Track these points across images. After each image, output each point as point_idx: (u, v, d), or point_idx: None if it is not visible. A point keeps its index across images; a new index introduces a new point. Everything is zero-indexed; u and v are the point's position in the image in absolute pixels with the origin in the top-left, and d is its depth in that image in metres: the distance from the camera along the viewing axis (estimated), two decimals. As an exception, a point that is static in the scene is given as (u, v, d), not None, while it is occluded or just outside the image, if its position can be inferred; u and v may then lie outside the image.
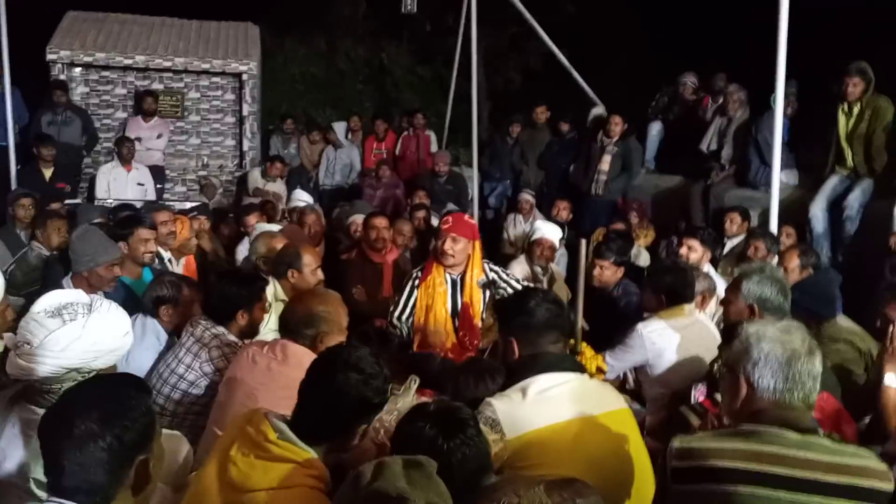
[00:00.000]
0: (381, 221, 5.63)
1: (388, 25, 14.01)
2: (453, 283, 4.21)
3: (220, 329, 3.34)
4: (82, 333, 2.24)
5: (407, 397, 2.81)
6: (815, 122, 7.14)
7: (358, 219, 6.32)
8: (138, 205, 6.81)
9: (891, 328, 3.12)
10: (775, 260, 5.14)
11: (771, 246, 5.35)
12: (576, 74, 9.66)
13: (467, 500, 1.94)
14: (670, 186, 8.43)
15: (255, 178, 9.39)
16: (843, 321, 4.07)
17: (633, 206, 7.84)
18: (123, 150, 8.69)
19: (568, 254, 6.95)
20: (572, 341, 3.60)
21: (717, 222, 6.75)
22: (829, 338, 3.89)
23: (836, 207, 6.46)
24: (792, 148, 7.20)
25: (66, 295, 2.35)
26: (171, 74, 10.07)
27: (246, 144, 10.22)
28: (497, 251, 7.63)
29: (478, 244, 4.28)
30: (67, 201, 7.39)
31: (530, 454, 2.36)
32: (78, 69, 9.74)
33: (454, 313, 4.21)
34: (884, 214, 5.99)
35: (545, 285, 5.58)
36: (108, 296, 3.83)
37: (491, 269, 4.30)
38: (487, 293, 4.25)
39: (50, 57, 9.48)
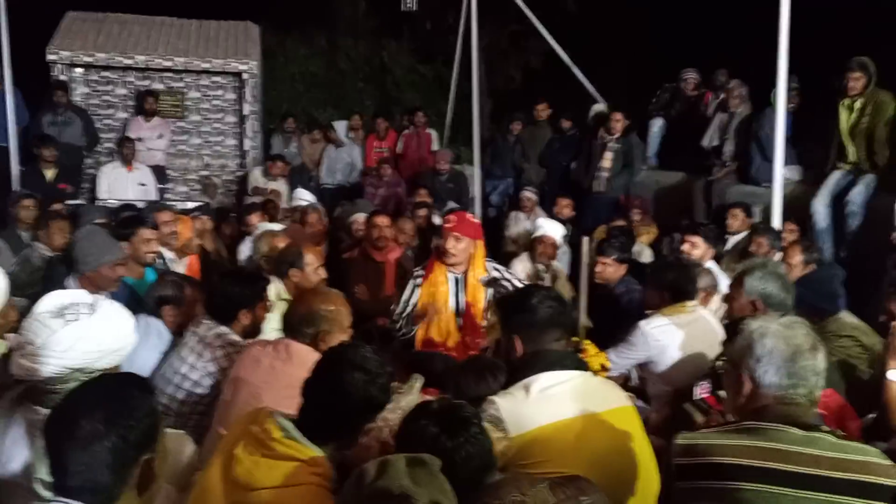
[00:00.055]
0: (382, 220, 5.63)
1: (389, 24, 13.99)
2: (456, 281, 4.21)
3: (223, 329, 3.34)
4: (85, 334, 2.24)
5: (411, 396, 2.82)
6: (817, 117, 7.13)
7: (360, 218, 6.32)
8: (140, 205, 6.81)
9: (894, 323, 3.12)
10: (778, 256, 5.14)
11: (773, 242, 5.35)
12: (577, 71, 9.65)
13: (471, 497, 1.94)
14: (672, 183, 8.42)
15: (257, 177, 9.40)
16: (847, 317, 4.07)
17: (634, 203, 7.83)
18: (125, 151, 8.71)
19: (570, 251, 6.95)
20: (575, 339, 3.60)
21: (719, 219, 6.75)
22: (832, 333, 3.90)
23: (838, 203, 6.44)
24: (794, 143, 7.18)
25: (69, 295, 2.35)
26: (171, 74, 10.07)
27: (247, 144, 10.23)
28: (499, 249, 7.63)
29: (480, 243, 4.28)
30: (69, 202, 7.39)
31: (534, 452, 2.36)
32: (78, 69, 9.74)
33: (457, 312, 4.20)
34: (886, 209, 5.98)
35: (548, 283, 5.58)
36: (111, 296, 3.86)
37: (494, 268, 4.30)
38: (490, 291, 4.25)
39: (50, 57, 9.48)
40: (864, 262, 5.87)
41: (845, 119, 6.48)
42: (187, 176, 10.18)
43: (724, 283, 4.57)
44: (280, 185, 9.14)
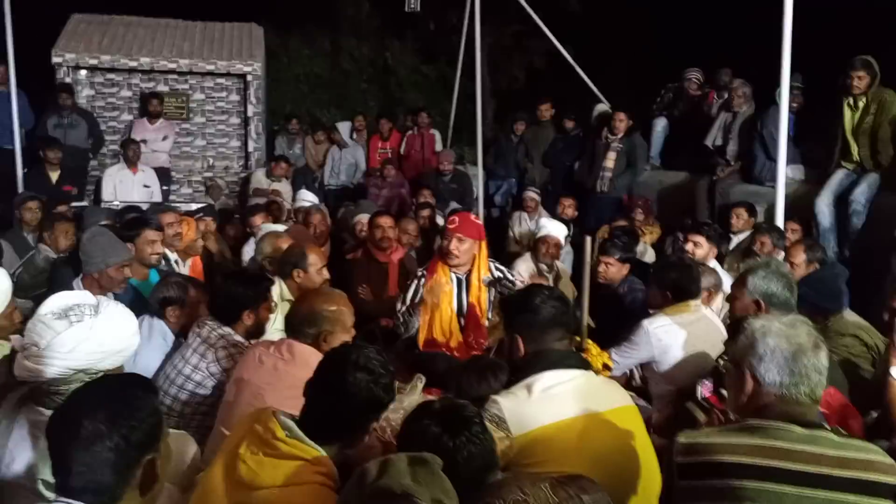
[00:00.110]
0: (386, 221, 5.63)
1: (392, 25, 14.01)
2: (459, 282, 4.22)
3: (227, 329, 3.35)
4: (89, 335, 2.25)
5: (413, 396, 2.83)
6: (821, 116, 7.12)
7: (363, 218, 6.33)
8: (144, 206, 6.83)
9: (897, 321, 3.12)
10: (781, 255, 5.13)
11: (777, 241, 5.34)
12: (580, 71, 9.65)
13: (473, 497, 1.94)
14: (675, 183, 8.41)
15: (259, 178, 9.41)
16: (850, 316, 4.06)
17: (638, 203, 7.82)
18: (129, 153, 8.73)
19: (573, 251, 6.95)
20: (578, 338, 3.60)
21: (722, 218, 6.75)
22: (835, 332, 3.89)
23: (842, 202, 6.43)
24: (797, 143, 7.18)
25: (73, 296, 2.36)
26: (175, 76, 10.09)
27: (251, 145, 10.24)
28: (503, 249, 7.64)
29: (484, 244, 4.28)
30: (74, 204, 7.41)
31: (536, 451, 2.37)
32: (83, 72, 9.76)
33: (460, 312, 4.21)
34: (890, 208, 5.96)
35: (551, 283, 5.58)
36: (115, 297, 3.87)
37: (496, 269, 4.30)
38: (493, 292, 4.26)
39: (55, 60, 9.50)
40: (868, 260, 5.86)
41: (849, 118, 6.47)
42: (191, 177, 10.20)
43: (727, 282, 4.56)
44: (283, 186, 9.16)
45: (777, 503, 1.88)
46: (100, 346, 2.26)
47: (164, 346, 3.61)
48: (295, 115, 11.35)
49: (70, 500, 1.66)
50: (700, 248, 5.04)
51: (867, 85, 6.27)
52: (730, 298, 3.65)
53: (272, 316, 3.65)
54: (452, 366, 3.53)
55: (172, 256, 5.30)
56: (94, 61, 9.65)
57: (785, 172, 5.54)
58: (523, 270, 5.75)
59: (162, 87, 10.07)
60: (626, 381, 3.99)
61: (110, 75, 9.95)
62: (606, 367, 3.63)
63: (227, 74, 10.09)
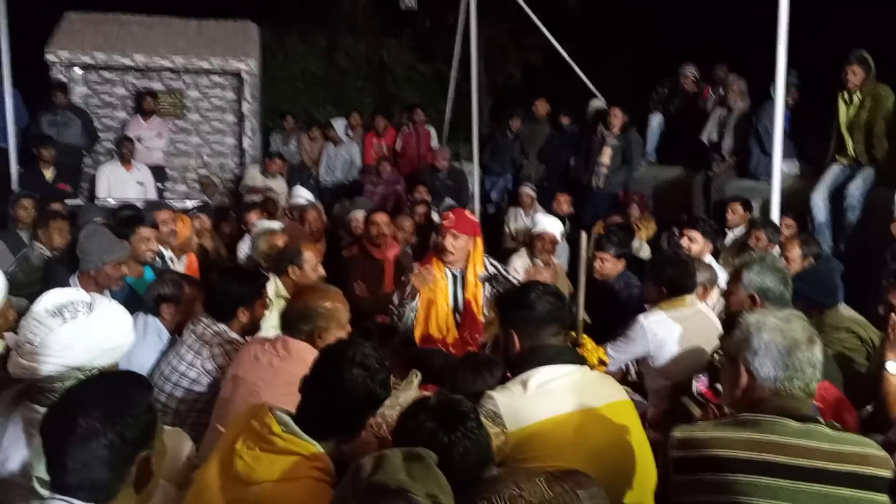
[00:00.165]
0: (381, 217, 5.63)
1: (388, 22, 13.99)
2: (454, 278, 4.22)
3: (222, 326, 3.34)
4: (83, 332, 2.25)
5: (409, 392, 2.83)
6: (816, 111, 7.13)
7: (359, 215, 6.33)
8: (139, 204, 6.82)
9: (893, 315, 3.12)
10: (777, 250, 5.14)
11: (772, 236, 5.36)
12: (576, 68, 9.65)
13: (469, 492, 1.94)
14: (671, 178, 8.42)
15: (253, 175, 9.40)
16: (845, 310, 4.07)
17: (633, 199, 7.84)
18: (123, 150, 8.71)
19: (569, 247, 6.95)
20: (574, 334, 3.60)
21: (718, 213, 6.76)
22: (830, 326, 3.91)
23: (837, 196, 6.45)
24: (793, 138, 7.19)
25: (67, 294, 2.36)
26: (170, 73, 10.07)
27: (246, 142, 10.23)
28: (499, 245, 7.64)
29: (479, 240, 4.28)
30: (68, 202, 7.39)
31: (532, 447, 2.37)
32: (77, 70, 9.74)
33: (456, 308, 4.21)
34: (885, 203, 5.98)
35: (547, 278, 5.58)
36: (110, 294, 3.87)
37: (491, 264, 4.31)
38: (488, 287, 4.26)
39: (49, 58, 9.48)
40: (863, 255, 5.88)
41: (844, 113, 6.48)
42: (186, 175, 10.19)
43: (722, 277, 4.57)
44: (278, 183, 9.15)
45: (772, 497, 1.89)
46: (94, 344, 2.26)
47: (159, 343, 3.60)
48: (290, 112, 11.33)
49: (65, 498, 1.65)
50: (695, 243, 5.05)
51: (862, 80, 6.29)
52: (725, 293, 3.66)
53: (267, 313, 3.64)
54: (448, 362, 3.52)
55: (167, 254, 5.30)
56: (88, 59, 9.63)
57: (780, 167, 5.55)
58: (519, 267, 5.76)
59: (157, 85, 10.05)
60: (622, 377, 4.00)
61: (105, 73, 9.93)
62: (602, 362, 3.64)
63: (222, 72, 10.08)
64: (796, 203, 6.42)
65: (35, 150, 8.17)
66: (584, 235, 3.83)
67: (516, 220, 8.13)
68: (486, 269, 4.25)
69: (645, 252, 6.65)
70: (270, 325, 3.67)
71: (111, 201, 7.76)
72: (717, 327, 3.64)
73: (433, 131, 10.52)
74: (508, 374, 2.69)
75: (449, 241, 4.12)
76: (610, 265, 4.95)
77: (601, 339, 3.81)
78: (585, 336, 3.67)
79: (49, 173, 8.15)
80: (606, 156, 8.31)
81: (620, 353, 3.82)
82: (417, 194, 8.15)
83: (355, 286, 5.29)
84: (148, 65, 9.84)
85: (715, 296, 4.42)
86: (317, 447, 2.10)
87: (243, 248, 6.02)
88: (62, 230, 5.44)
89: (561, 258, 6.55)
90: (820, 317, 3.91)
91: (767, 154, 6.29)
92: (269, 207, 7.34)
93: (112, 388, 1.79)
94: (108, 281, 4.04)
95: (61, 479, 1.66)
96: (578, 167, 8.75)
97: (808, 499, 1.88)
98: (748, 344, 2.07)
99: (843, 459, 1.92)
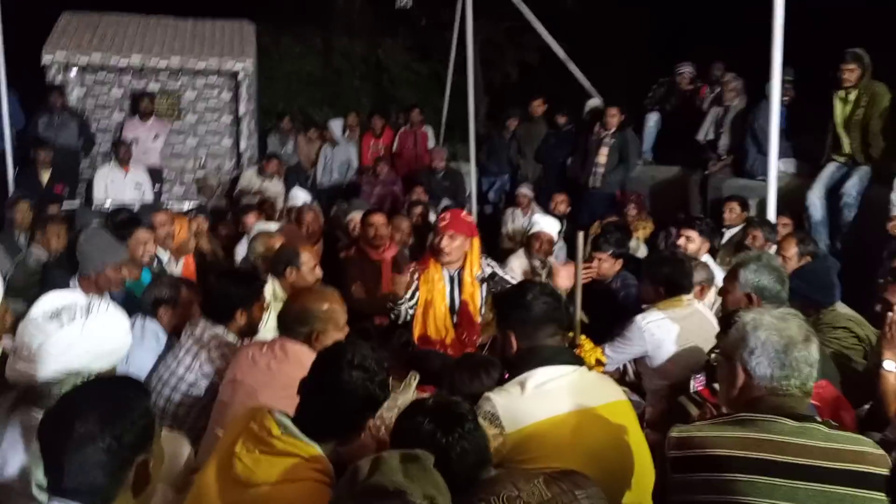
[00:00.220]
0: (378, 218, 5.63)
1: (384, 22, 13.97)
2: (451, 279, 4.22)
3: (220, 329, 3.34)
4: (81, 336, 2.25)
5: (407, 394, 2.83)
6: (813, 109, 7.14)
7: (356, 216, 6.32)
8: (136, 206, 6.82)
9: (890, 314, 3.13)
10: (773, 248, 5.15)
11: (769, 234, 5.36)
12: (572, 67, 9.65)
13: (467, 493, 1.94)
14: (668, 177, 8.43)
15: (249, 177, 9.39)
16: (842, 308, 4.07)
17: (631, 198, 7.85)
18: (120, 152, 8.71)
19: (566, 247, 6.96)
20: (571, 334, 3.61)
21: (715, 212, 6.76)
22: (827, 325, 3.91)
23: (833, 195, 6.46)
24: (789, 136, 7.20)
25: (64, 297, 2.35)
26: (167, 75, 10.05)
27: (243, 144, 10.21)
28: (496, 246, 7.64)
29: (475, 241, 4.28)
30: (65, 204, 7.39)
31: (530, 447, 2.37)
32: (74, 71, 9.71)
33: (453, 309, 4.21)
34: (882, 201, 5.99)
35: (544, 279, 5.58)
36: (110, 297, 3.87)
37: (488, 265, 4.31)
38: (485, 288, 4.26)
39: (45, 59, 9.45)
40: (860, 253, 5.89)
41: (840, 111, 6.49)
42: (183, 177, 10.18)
43: (719, 276, 4.57)
44: (275, 184, 9.14)
45: (769, 496, 1.89)
46: (92, 348, 2.26)
47: (156, 346, 3.60)
48: (287, 113, 11.31)
49: (63, 502, 1.66)
50: (692, 242, 5.05)
51: (858, 78, 6.30)
52: (722, 292, 3.66)
53: (265, 315, 3.64)
54: (446, 363, 3.52)
55: (165, 256, 5.29)
56: (84, 60, 9.60)
57: (776, 166, 5.55)
58: (516, 267, 5.76)
59: (153, 86, 10.03)
60: (620, 377, 4.00)
61: (101, 74, 9.91)
62: (599, 362, 3.64)
63: (219, 73, 10.06)
64: (793, 201, 6.43)
65: (31, 152, 8.16)
66: (580, 235, 3.83)
67: (513, 221, 8.13)
68: (483, 269, 4.25)
69: (642, 252, 6.65)
70: (268, 327, 3.67)
71: (108, 204, 7.76)
72: (715, 327, 3.64)
73: (430, 132, 10.52)
74: (506, 375, 2.70)
75: (445, 242, 4.12)
76: (607, 265, 4.96)
77: (599, 339, 3.81)
78: (583, 336, 3.67)
79: (45, 176, 8.14)
80: (603, 155, 8.31)
81: (618, 354, 3.82)
82: (414, 195, 8.15)
83: (352, 287, 5.28)
84: (144, 66, 9.80)
85: (712, 295, 4.42)
86: (316, 449, 2.10)
87: (241, 250, 6.02)
88: (59, 234, 5.44)
89: (558, 258, 6.55)
90: (817, 315, 3.91)
91: (764, 153, 6.30)
92: (266, 209, 7.34)
93: (109, 392, 1.80)
94: (109, 284, 4.04)
95: (59, 483, 1.66)
96: (575, 167, 8.75)
97: (806, 497, 1.89)
98: (744, 343, 2.08)
99: (840, 458, 1.93)
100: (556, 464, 2.22)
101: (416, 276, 4.26)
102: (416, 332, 4.22)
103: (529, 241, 6.00)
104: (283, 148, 10.44)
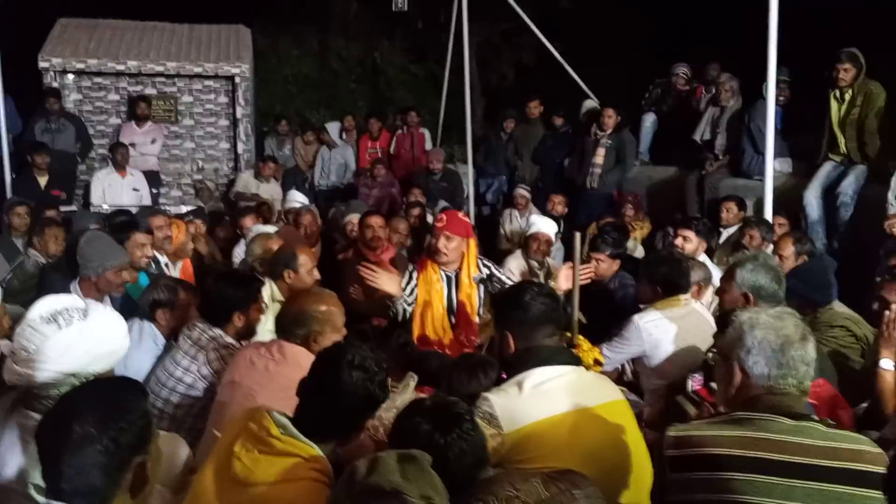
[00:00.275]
0: (376, 220, 5.63)
1: (381, 24, 13.99)
2: (448, 280, 4.22)
3: (217, 331, 3.34)
4: (78, 338, 2.25)
5: (405, 395, 2.83)
6: (809, 109, 7.16)
7: (354, 218, 6.32)
8: (134, 210, 6.81)
9: (887, 312, 3.13)
10: (770, 248, 5.16)
11: (766, 234, 5.37)
12: (568, 68, 9.66)
13: (464, 493, 1.95)
14: (665, 178, 8.43)
15: (246, 180, 9.39)
16: (839, 307, 4.08)
17: (628, 199, 7.85)
18: (118, 156, 8.71)
19: (564, 247, 6.96)
20: (569, 334, 3.61)
21: (712, 212, 6.77)
22: (824, 324, 3.91)
23: (830, 194, 6.47)
24: (785, 136, 7.21)
25: (62, 300, 2.36)
26: (163, 79, 10.05)
27: (240, 147, 10.21)
28: (494, 247, 7.64)
29: (472, 242, 4.28)
30: (63, 208, 7.39)
31: (528, 447, 2.37)
32: (70, 76, 9.72)
33: (451, 310, 4.21)
34: (878, 199, 6.01)
35: (542, 279, 5.59)
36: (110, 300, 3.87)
37: (485, 266, 4.31)
38: (483, 289, 4.26)
39: (42, 64, 9.46)
40: (857, 252, 5.89)
41: (836, 110, 6.51)
42: (181, 180, 10.18)
43: (717, 276, 4.58)
44: (272, 187, 9.14)
45: (766, 495, 1.90)
46: (89, 350, 2.26)
47: (154, 349, 3.60)
48: (284, 116, 11.32)
49: (61, 503, 1.66)
50: (689, 242, 5.06)
51: (853, 77, 6.31)
52: (719, 292, 3.67)
53: (263, 317, 3.64)
54: (444, 364, 3.53)
55: (162, 259, 5.30)
56: (81, 65, 9.62)
57: (773, 166, 5.56)
58: (514, 268, 5.76)
59: (150, 90, 10.04)
60: (618, 376, 4.01)
61: (98, 79, 9.91)
62: (597, 362, 3.64)
63: (215, 76, 10.06)
64: (790, 201, 6.44)
65: (29, 156, 8.16)
66: (577, 236, 3.83)
67: (511, 222, 8.13)
68: (481, 270, 4.26)
69: (640, 252, 6.66)
70: (266, 329, 3.67)
71: (106, 207, 7.76)
72: (712, 326, 3.65)
73: (427, 133, 10.53)
74: (504, 375, 2.70)
75: (442, 243, 4.12)
76: (605, 265, 4.96)
77: (596, 338, 3.82)
78: (581, 337, 3.67)
79: (43, 180, 8.15)
80: (600, 156, 8.31)
81: (616, 354, 3.83)
82: (412, 197, 8.15)
83: (350, 289, 5.28)
84: (141, 70, 9.81)
85: (709, 295, 4.43)
86: (315, 449, 2.10)
87: (238, 253, 6.02)
88: (57, 237, 5.43)
89: (556, 259, 6.56)
90: (814, 314, 3.92)
91: (760, 153, 6.31)
92: (263, 212, 7.34)
93: (107, 394, 1.80)
94: (110, 287, 4.04)
95: (57, 484, 1.67)
96: (572, 168, 8.75)
97: (803, 496, 1.89)
98: (741, 342, 2.08)
99: (837, 456, 1.93)
100: (554, 464, 2.22)
101: (414, 275, 4.26)
102: (416, 331, 4.22)
103: (527, 242, 6.00)
104: (280, 151, 10.45)
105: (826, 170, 6.57)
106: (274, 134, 10.76)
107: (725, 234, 6.37)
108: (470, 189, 9.18)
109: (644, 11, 12.84)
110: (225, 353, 3.24)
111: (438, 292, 4.19)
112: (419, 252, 5.59)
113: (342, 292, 4.16)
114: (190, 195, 9.93)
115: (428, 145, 10.32)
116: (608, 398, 2.58)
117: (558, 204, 7.96)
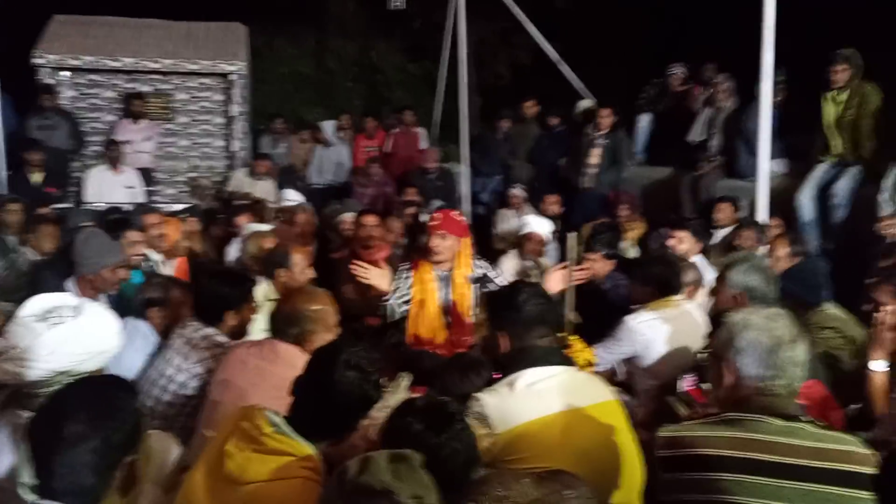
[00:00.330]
0: (370, 219, 5.63)
1: (377, 23, 13.97)
2: (442, 279, 4.22)
3: (210, 330, 3.33)
4: (70, 336, 2.25)
5: (398, 394, 2.82)
6: (804, 110, 7.17)
7: (348, 217, 6.32)
8: (128, 207, 6.80)
9: (877, 314, 3.14)
10: (764, 249, 5.17)
11: (759, 235, 5.38)
12: (564, 68, 9.66)
13: (456, 493, 1.94)
14: (660, 178, 8.44)
15: (240, 178, 9.37)
16: (831, 308, 4.08)
17: (623, 199, 7.85)
18: (112, 154, 8.68)
19: (559, 247, 6.96)
20: (562, 334, 3.62)
21: (706, 213, 6.78)
22: (816, 325, 3.91)
23: (824, 195, 6.48)
24: (781, 136, 7.22)
25: (53, 298, 2.35)
26: (158, 76, 10.01)
27: (236, 145, 10.19)
28: (489, 247, 7.64)
29: (467, 241, 4.28)
30: (57, 205, 7.37)
31: (520, 448, 2.38)
32: (65, 73, 9.68)
33: (444, 309, 4.21)
34: (872, 200, 6.02)
35: (536, 280, 5.59)
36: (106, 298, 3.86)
37: (479, 266, 4.31)
38: (476, 288, 4.26)
39: (36, 61, 9.42)
40: (850, 253, 5.90)
41: (830, 111, 6.52)
42: (175, 178, 10.14)
43: (710, 277, 4.59)
44: (266, 185, 9.13)
45: (756, 495, 1.90)
46: (81, 348, 2.26)
47: (146, 347, 3.59)
48: (279, 114, 11.30)
49: (52, 502, 1.66)
50: (683, 243, 5.07)
51: (848, 78, 6.33)
52: (712, 293, 3.67)
53: (255, 316, 3.64)
54: (437, 363, 3.53)
55: (156, 257, 5.29)
56: (76, 62, 9.57)
57: (767, 167, 5.57)
58: (508, 267, 5.77)
59: (145, 88, 9.99)
60: (611, 377, 4.01)
61: (92, 76, 9.87)
62: (590, 362, 3.65)
63: (211, 74, 10.02)
64: (784, 202, 6.45)
65: (23, 154, 8.13)
66: (571, 236, 3.84)
67: (505, 222, 8.13)
68: (475, 270, 4.26)
69: (634, 252, 6.67)
70: (259, 328, 3.67)
71: (100, 205, 7.74)
72: (705, 327, 3.66)
73: (423, 133, 10.52)
74: (497, 375, 2.70)
75: (436, 242, 4.13)
76: (599, 266, 4.97)
77: (589, 339, 3.82)
78: (574, 337, 3.68)
79: (36, 177, 8.12)
80: (595, 156, 8.30)
81: (609, 354, 3.83)
82: (407, 196, 8.15)
83: (344, 288, 5.28)
84: (136, 67, 9.77)
85: (702, 295, 4.43)
86: (307, 448, 2.10)
87: (232, 251, 6.01)
88: (51, 234, 5.42)
89: (550, 259, 6.56)
90: (806, 315, 3.93)
91: (755, 154, 6.31)
92: (258, 210, 7.32)
93: (98, 393, 1.80)
94: (106, 285, 4.04)
95: (47, 483, 1.67)
96: (568, 168, 8.75)
97: (793, 496, 1.90)
98: (733, 343, 2.09)
99: (827, 457, 1.94)
100: (546, 464, 2.22)
101: (409, 275, 4.26)
102: (410, 331, 4.22)
103: (521, 242, 6.00)
104: (275, 149, 10.43)
105: (820, 170, 6.59)
106: (269, 132, 10.74)
107: (719, 235, 6.38)
108: (465, 188, 9.18)
109: (641, 11, 12.85)
110: (217, 352, 3.23)
111: (431, 291, 4.19)
112: (414, 251, 5.60)
113: (336, 291, 4.15)
114: (184, 193, 9.90)
115: (423, 144, 10.32)
116: (600, 398, 2.59)
117: (553, 204, 7.95)
